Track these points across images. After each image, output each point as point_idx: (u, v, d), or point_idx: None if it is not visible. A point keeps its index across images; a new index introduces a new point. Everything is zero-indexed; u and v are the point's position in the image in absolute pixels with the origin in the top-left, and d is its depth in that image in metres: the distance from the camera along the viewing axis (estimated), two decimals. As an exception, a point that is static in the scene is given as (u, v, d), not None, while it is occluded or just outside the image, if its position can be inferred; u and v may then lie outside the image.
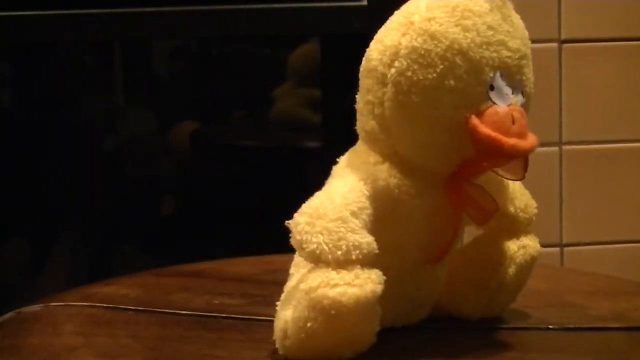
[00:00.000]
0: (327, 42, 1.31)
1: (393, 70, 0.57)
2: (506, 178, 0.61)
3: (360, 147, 0.61)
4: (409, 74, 0.57)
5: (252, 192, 1.48)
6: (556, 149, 1.18)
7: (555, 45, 1.17)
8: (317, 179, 0.60)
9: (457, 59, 0.56)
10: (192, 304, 0.69)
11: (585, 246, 1.19)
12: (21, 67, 1.47)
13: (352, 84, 0.61)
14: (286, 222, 0.56)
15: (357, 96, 0.61)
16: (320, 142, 1.38)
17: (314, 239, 0.54)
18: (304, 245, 0.54)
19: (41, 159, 1.45)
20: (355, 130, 0.61)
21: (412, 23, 0.57)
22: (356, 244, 0.54)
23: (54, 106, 1.46)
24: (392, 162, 0.59)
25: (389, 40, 0.58)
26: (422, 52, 0.56)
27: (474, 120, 0.57)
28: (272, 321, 0.59)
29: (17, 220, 1.44)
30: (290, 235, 0.55)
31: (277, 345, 0.57)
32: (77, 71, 1.47)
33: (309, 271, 0.55)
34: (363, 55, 0.60)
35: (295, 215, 0.56)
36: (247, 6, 1.17)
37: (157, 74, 1.58)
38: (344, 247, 0.54)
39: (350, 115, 0.62)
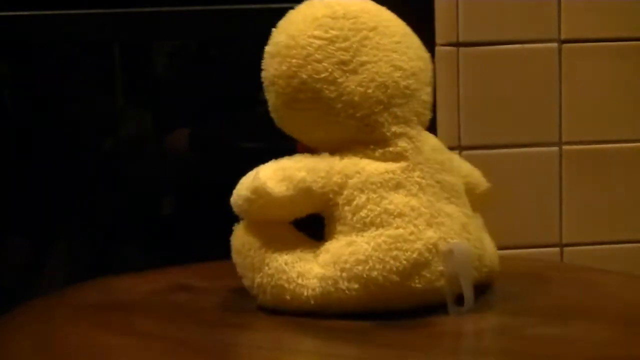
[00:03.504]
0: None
1: None
2: None
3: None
4: None
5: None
6: (556, 149, 1.17)
7: (555, 45, 1.17)
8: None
9: None
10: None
11: (585, 246, 1.19)
12: (21, 67, 1.47)
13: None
14: None
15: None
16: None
17: None
18: None
19: (41, 158, 1.45)
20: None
21: None
22: None
23: (53, 106, 1.46)
24: None
25: None
26: None
27: None
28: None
29: (17, 220, 1.44)
30: None
31: None
32: (76, 71, 1.47)
33: None
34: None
35: None
36: (247, 6, 1.17)
37: (157, 74, 1.58)
38: None
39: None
